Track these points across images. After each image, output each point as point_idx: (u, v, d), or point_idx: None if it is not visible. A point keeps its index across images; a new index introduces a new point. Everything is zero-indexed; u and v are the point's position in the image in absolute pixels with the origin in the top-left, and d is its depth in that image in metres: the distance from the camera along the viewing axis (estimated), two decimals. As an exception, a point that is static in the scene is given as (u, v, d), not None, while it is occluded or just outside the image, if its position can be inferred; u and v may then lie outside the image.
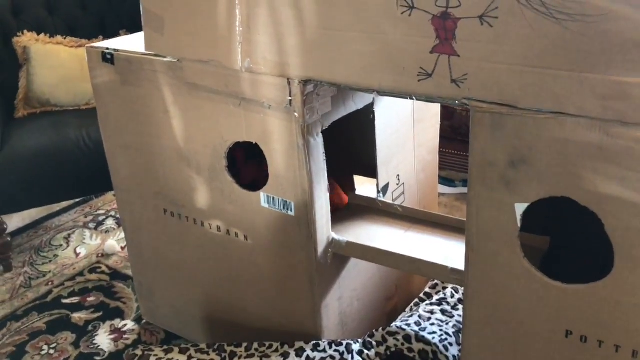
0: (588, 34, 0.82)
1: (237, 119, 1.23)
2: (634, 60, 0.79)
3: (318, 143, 1.19)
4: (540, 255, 1.20)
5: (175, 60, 1.27)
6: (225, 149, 1.28)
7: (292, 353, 1.26)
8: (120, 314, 1.79)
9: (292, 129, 1.15)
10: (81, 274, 1.99)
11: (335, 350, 1.26)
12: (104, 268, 2.01)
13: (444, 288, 1.52)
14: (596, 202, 0.90)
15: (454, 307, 1.42)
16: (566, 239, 1.26)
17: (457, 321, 1.38)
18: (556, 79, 0.86)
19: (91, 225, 2.29)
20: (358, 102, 1.28)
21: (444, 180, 2.36)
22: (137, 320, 1.75)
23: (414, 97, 1.01)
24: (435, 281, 1.56)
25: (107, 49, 1.39)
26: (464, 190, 2.38)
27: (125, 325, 1.74)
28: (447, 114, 2.17)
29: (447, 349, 1.28)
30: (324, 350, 1.26)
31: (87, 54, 1.43)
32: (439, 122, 1.66)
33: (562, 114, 0.88)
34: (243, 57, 1.15)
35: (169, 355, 1.31)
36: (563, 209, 1.05)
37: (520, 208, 0.97)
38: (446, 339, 1.30)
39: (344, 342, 1.28)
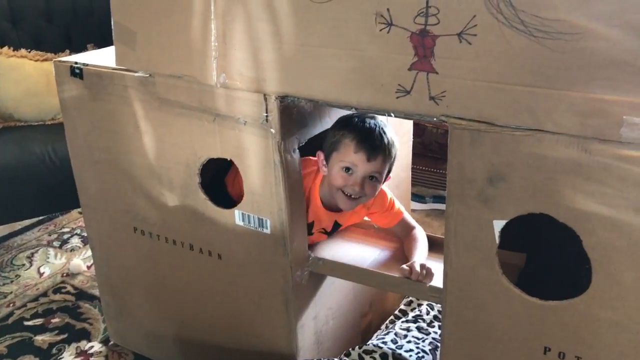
0: (566, 52, 0.82)
1: (211, 135, 1.21)
2: (611, 78, 0.80)
3: (295, 159, 1.17)
4: (517, 271, 1.21)
5: (147, 75, 1.24)
6: (199, 165, 1.25)
7: (268, 374, 1.24)
8: (86, 336, 1.72)
9: (268, 146, 1.14)
10: (45, 294, 1.92)
11: (312, 371, 1.24)
12: (69, 288, 1.95)
13: (419, 305, 1.51)
14: (574, 219, 0.91)
15: (429, 324, 1.42)
16: (541, 256, 1.27)
17: (433, 338, 1.37)
18: (534, 96, 0.87)
19: (55, 243, 2.22)
20: (334, 119, 1.28)
21: (414, 197, 2.36)
22: (105, 341, 1.70)
23: (392, 114, 1.01)
24: (410, 298, 1.55)
25: (76, 63, 1.36)
26: (435, 206, 2.39)
27: (92, 347, 1.68)
28: (418, 130, 2.18)
29: (424, 367, 1.27)
30: (300, 371, 1.24)
31: (55, 68, 1.39)
32: (412, 139, 1.66)
33: (540, 131, 0.89)
34: (218, 72, 1.13)
35: (140, 379, 1.27)
36: (539, 225, 1.05)
37: (498, 225, 0.97)
38: (423, 357, 1.29)
39: (320, 362, 1.26)
